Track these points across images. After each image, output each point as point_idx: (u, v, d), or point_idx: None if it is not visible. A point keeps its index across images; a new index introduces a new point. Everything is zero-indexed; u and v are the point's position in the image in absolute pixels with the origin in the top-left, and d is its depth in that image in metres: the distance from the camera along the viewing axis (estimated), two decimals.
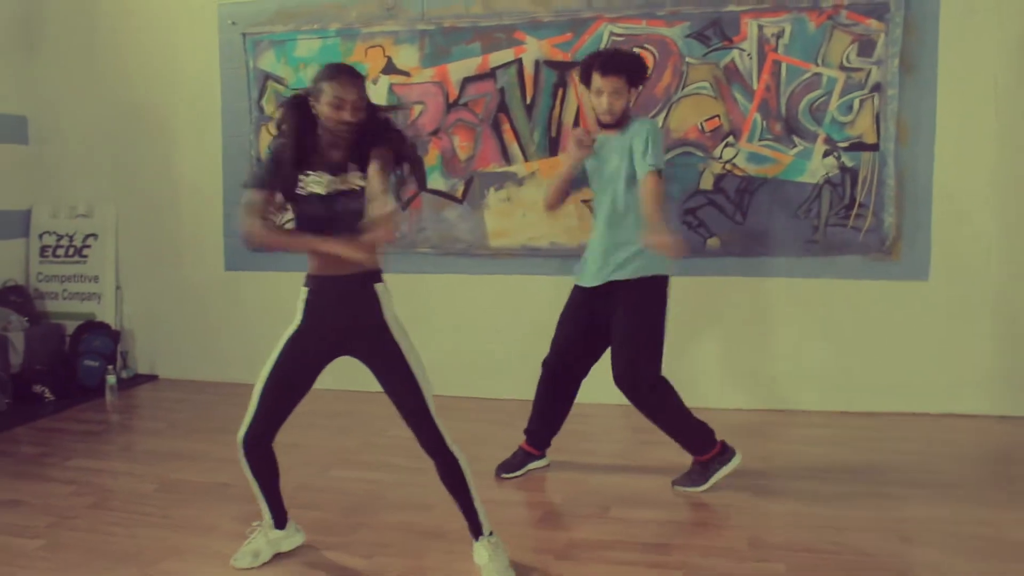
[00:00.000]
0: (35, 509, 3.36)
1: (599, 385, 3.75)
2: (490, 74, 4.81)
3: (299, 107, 2.68)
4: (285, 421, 2.81)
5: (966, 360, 4.48)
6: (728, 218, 4.63)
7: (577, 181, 3.68)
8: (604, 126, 3.50)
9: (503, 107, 4.82)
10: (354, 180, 2.64)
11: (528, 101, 4.78)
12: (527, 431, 3.81)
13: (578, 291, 3.66)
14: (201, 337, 5.48)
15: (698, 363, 4.73)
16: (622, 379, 3.44)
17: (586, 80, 3.50)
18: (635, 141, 3.40)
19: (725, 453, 3.57)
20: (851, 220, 4.52)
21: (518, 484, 3.67)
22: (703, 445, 3.55)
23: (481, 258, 4.91)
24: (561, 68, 4.72)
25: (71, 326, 5.43)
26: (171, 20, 5.33)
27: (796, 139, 4.53)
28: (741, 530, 3.13)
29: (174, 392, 5.29)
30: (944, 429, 4.32)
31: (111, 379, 5.05)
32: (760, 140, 4.56)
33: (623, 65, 3.44)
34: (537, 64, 4.74)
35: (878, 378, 4.57)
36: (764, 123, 4.54)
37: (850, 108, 4.47)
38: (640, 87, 3.66)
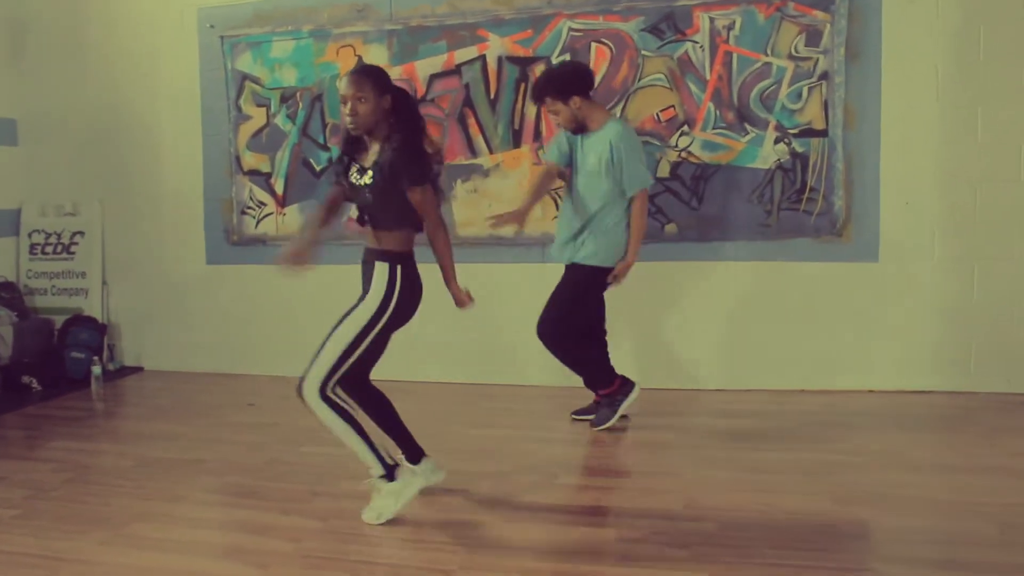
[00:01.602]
0: (14, 484, 3.55)
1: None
2: (455, 71, 5.01)
3: None
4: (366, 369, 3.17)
5: (916, 338, 4.66)
6: (684, 204, 4.81)
7: (551, 155, 4.14)
8: (575, 131, 3.98)
9: (468, 102, 5.01)
10: (364, 178, 2.95)
11: (492, 96, 4.97)
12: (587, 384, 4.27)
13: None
14: (184, 329, 5.68)
15: (658, 345, 4.91)
16: (541, 330, 4.03)
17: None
18: (612, 145, 3.87)
19: (626, 385, 4.10)
20: (803, 204, 4.70)
21: (482, 451, 3.84)
22: (605, 380, 4.13)
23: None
24: (522, 63, 4.92)
25: (59, 320, 5.63)
26: (153, 24, 5.54)
27: (748, 127, 4.71)
28: (678, 495, 3.29)
29: (158, 382, 5.49)
30: (896, 404, 4.48)
31: (96, 369, 5.24)
32: (714, 128, 4.74)
33: (542, 90, 3.94)
34: (500, 60, 4.94)
35: (832, 357, 4.74)
36: (717, 112, 4.72)
37: (799, 96, 4.64)
38: (577, 94, 3.91)
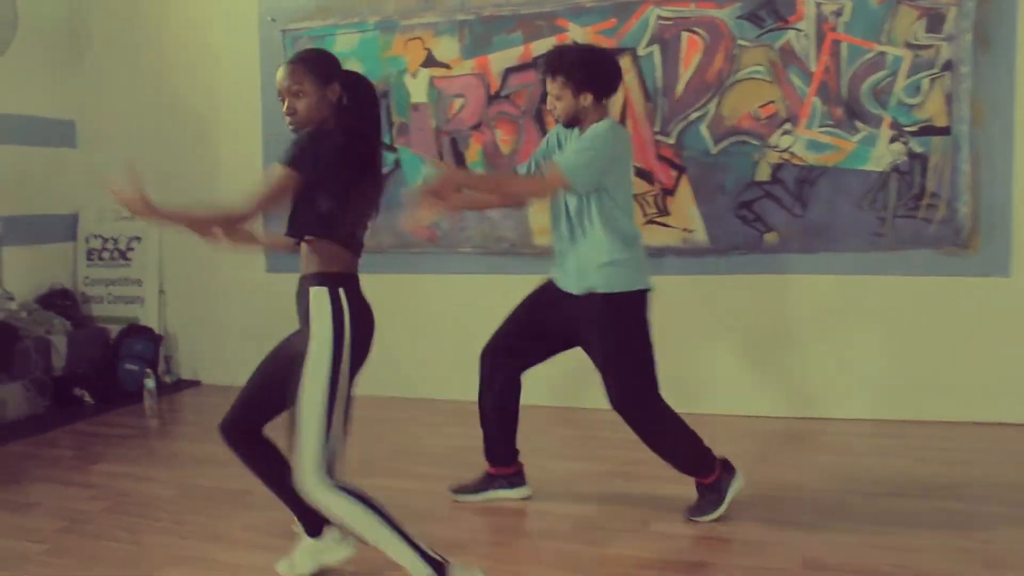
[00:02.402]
0: (49, 512, 3.28)
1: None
2: (532, 64, 4.60)
3: None
4: (266, 421, 2.59)
5: None
6: (786, 211, 4.32)
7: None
8: (568, 125, 3.17)
9: (546, 98, 4.58)
10: None
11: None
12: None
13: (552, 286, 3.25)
14: (243, 341, 5.34)
15: (760, 366, 4.43)
16: (623, 401, 3.05)
17: None
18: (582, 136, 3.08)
19: (727, 465, 3.15)
20: (921, 211, 4.17)
21: (548, 493, 3.41)
22: (708, 462, 3.11)
23: (526, 257, 4.69)
24: None
25: (115, 330, 5.39)
26: (211, 20, 5.28)
27: (859, 124, 4.20)
28: (792, 549, 2.82)
29: (215, 398, 5.17)
30: None
31: (149, 383, 4.98)
32: (820, 126, 4.24)
33: (560, 67, 3.07)
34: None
35: (952, 384, 4.20)
36: (824, 108, 4.23)
37: (918, 89, 4.12)
38: (594, 92, 3.07)
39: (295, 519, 2.69)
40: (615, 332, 3.03)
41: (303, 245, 2.40)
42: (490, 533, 3.13)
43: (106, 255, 5.61)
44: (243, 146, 5.25)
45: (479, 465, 3.34)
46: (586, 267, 3.06)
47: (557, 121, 3.20)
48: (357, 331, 2.34)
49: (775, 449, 3.93)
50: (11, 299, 5.11)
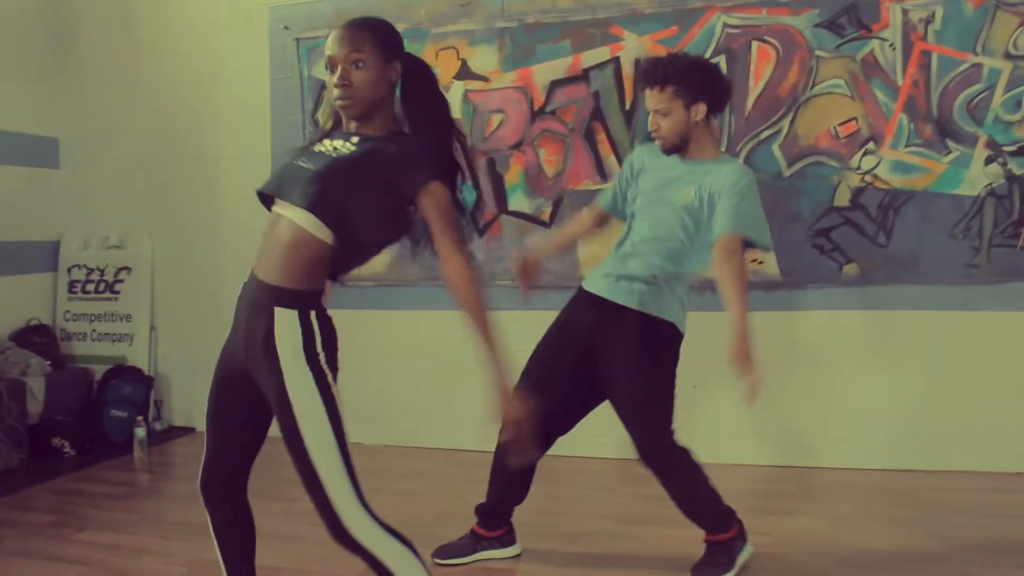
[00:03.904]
0: None
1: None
2: (582, 76, 4.14)
3: None
4: (245, 464, 2.15)
5: None
6: (869, 240, 3.88)
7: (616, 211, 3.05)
8: (672, 151, 2.79)
9: (598, 114, 4.13)
10: (338, 144, 2.00)
11: (627, 107, 4.10)
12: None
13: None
14: None
15: (832, 411, 3.96)
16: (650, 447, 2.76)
17: None
18: (727, 189, 2.69)
19: (742, 529, 2.87)
20: (1021, 240, 3.75)
21: (636, 558, 2.89)
22: (727, 519, 2.84)
23: (571, 291, 4.18)
24: None
25: (99, 371, 4.79)
26: (216, 27, 4.78)
27: (951, 144, 3.79)
28: None
29: None
30: None
31: (140, 432, 4.41)
32: (907, 146, 3.82)
33: (669, 76, 2.70)
34: (637, 63, 4.05)
35: None
36: (912, 126, 3.81)
37: (1019, 104, 3.72)
38: (708, 104, 2.73)
39: None
40: (652, 358, 2.76)
41: (284, 218, 1.98)
42: None
43: (90, 287, 5.04)
44: (249, 168, 4.70)
45: (573, 534, 2.84)
46: (655, 292, 2.78)
47: (661, 144, 2.78)
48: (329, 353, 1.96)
49: (842, 501, 3.43)
50: None
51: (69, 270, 5.09)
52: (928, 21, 3.79)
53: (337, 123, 2.09)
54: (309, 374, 1.90)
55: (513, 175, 4.26)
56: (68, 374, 4.75)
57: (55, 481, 4.01)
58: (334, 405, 1.92)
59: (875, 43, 3.83)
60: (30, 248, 4.98)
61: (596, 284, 2.90)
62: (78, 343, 5.03)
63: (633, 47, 4.06)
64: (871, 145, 3.86)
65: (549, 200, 4.23)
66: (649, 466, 2.75)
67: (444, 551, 3.01)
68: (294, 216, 1.92)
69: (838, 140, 3.89)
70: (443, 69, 4.30)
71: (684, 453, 2.76)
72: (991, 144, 3.76)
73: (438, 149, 1.97)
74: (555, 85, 4.19)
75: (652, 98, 2.72)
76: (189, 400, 4.96)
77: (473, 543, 3.03)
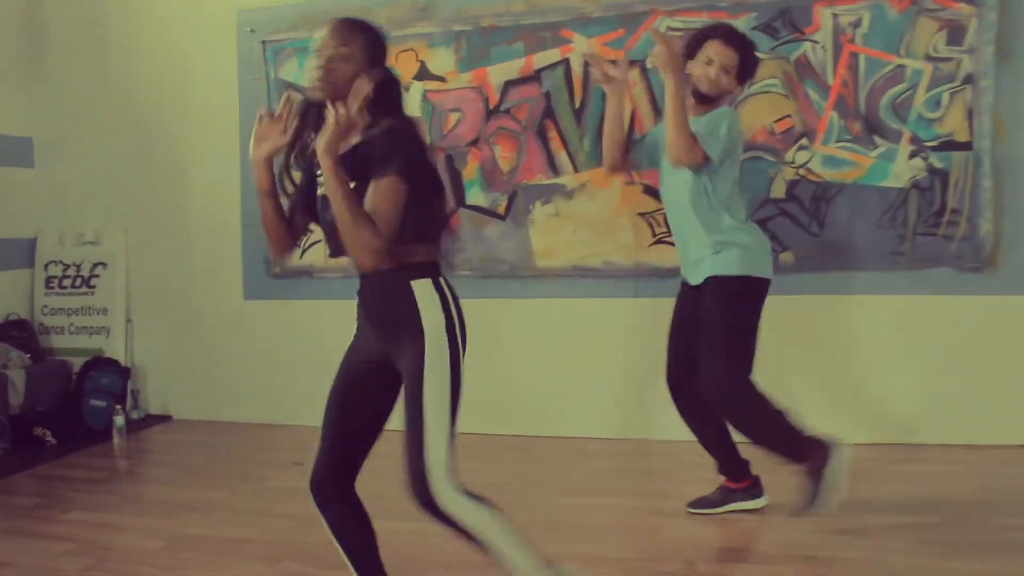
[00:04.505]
0: (23, 574, 2.88)
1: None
2: (534, 77, 4.37)
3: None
4: (360, 461, 2.22)
5: None
6: (803, 229, 4.14)
7: (642, 160, 3.40)
8: (699, 99, 3.12)
9: (549, 112, 4.37)
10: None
11: (577, 105, 4.34)
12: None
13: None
14: (218, 373, 5.02)
15: (771, 389, 4.22)
16: (719, 392, 3.07)
17: (694, 49, 3.13)
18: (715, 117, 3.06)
19: (825, 447, 3.06)
20: (942, 228, 4.02)
21: (583, 535, 3.14)
22: (807, 447, 3.04)
23: (526, 280, 4.44)
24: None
25: (78, 363, 4.96)
26: (186, 30, 4.95)
27: (878, 139, 4.05)
28: None
29: (189, 434, 4.82)
30: None
31: (119, 420, 4.61)
32: (837, 141, 4.08)
33: (743, 41, 3.14)
34: (586, 64, 4.29)
35: (977, 406, 4.03)
36: (841, 122, 4.07)
37: (938, 103, 3.98)
38: (742, 83, 3.22)
39: None
40: (724, 313, 3.04)
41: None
42: None
43: (67, 282, 5.21)
44: (219, 167, 4.92)
45: (525, 507, 3.05)
46: (703, 254, 3.10)
47: (706, 88, 3.09)
48: (461, 319, 2.15)
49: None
50: None
51: (46, 266, 5.25)
52: (856, 25, 4.04)
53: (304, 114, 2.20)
54: (446, 347, 2.07)
55: (470, 171, 4.48)
56: (48, 366, 4.91)
57: (38, 468, 4.20)
58: (458, 383, 2.08)
59: (807, 45, 4.09)
60: (7, 245, 5.13)
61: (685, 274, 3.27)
62: (56, 336, 5.20)
63: (582, 49, 4.29)
64: (804, 141, 4.11)
65: (504, 194, 4.46)
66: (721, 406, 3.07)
67: (698, 503, 3.29)
68: None
69: (774, 136, 4.14)
70: (403, 70, 4.51)
71: (751, 392, 3.06)
72: (914, 140, 4.02)
73: (398, 143, 2.05)
74: (509, 85, 4.41)
75: (722, 54, 3.06)
76: (165, 389, 5.16)
77: (723, 496, 3.28)
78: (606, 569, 2.76)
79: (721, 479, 3.30)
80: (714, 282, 3.07)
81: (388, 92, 2.15)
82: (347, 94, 2.07)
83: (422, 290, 2.08)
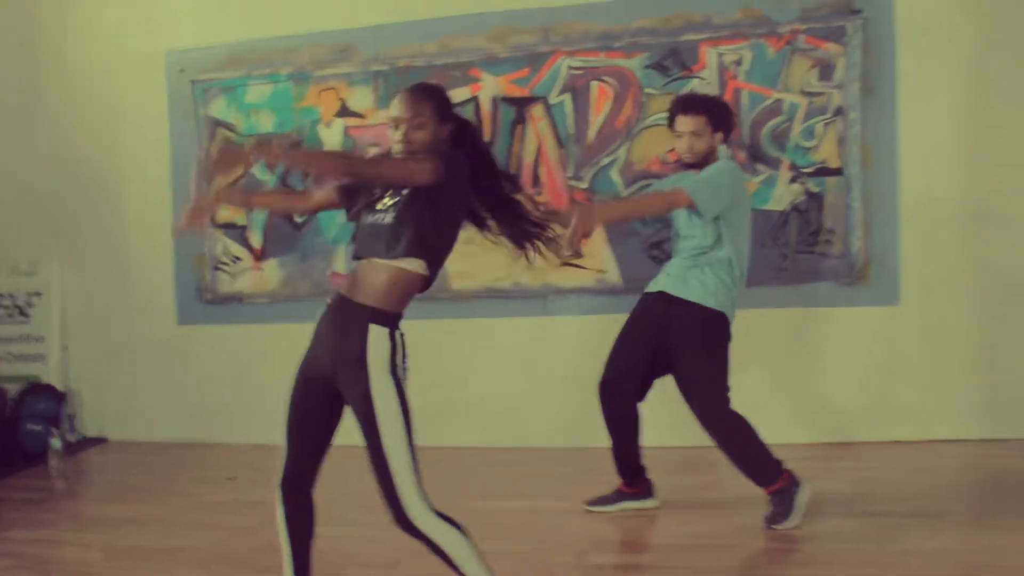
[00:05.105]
0: None
1: None
2: None
3: None
4: (320, 462, 2.42)
5: (941, 384, 4.39)
6: None
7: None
8: (687, 166, 3.48)
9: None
10: (388, 199, 2.32)
11: (487, 139, 4.68)
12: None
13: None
14: (152, 396, 5.22)
15: (667, 399, 4.58)
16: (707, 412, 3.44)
17: (671, 124, 3.49)
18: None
19: (793, 475, 3.38)
20: (819, 246, 4.44)
21: (487, 533, 3.44)
22: (775, 470, 3.36)
23: (442, 302, 4.74)
24: (519, 104, 4.63)
25: (14, 389, 5.11)
26: (117, 70, 5.15)
27: (760, 167, 4.46)
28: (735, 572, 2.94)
29: (124, 455, 5.02)
30: (926, 456, 4.19)
31: (55, 443, 4.78)
32: None
33: (701, 104, 3.43)
34: (495, 101, 4.65)
35: (854, 406, 4.46)
36: (729, 151, 4.46)
37: (813, 133, 4.41)
38: (723, 133, 3.46)
39: None
40: (707, 343, 3.43)
41: (376, 263, 2.28)
42: None
43: (3, 312, 5.37)
44: (151, 205, 5.12)
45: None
46: (705, 283, 3.39)
47: (690, 159, 3.43)
48: (404, 352, 2.32)
49: (689, 477, 4.07)
50: None
51: None
52: (738, 63, 4.45)
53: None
54: (391, 382, 2.24)
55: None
56: None
57: None
58: (407, 409, 2.26)
59: (695, 81, 4.48)
60: None
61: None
62: None
63: (490, 87, 4.64)
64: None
65: None
66: (703, 421, 3.40)
67: (596, 501, 3.60)
68: (388, 262, 2.27)
69: (667, 165, 4.52)
70: (325, 108, 4.82)
71: (732, 414, 3.40)
72: (793, 167, 4.44)
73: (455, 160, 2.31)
74: None
75: (689, 123, 3.37)
76: (100, 412, 5.34)
77: (619, 496, 3.60)
78: (503, 562, 3.06)
79: (619, 481, 3.63)
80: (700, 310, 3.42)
81: (462, 134, 2.45)
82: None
83: (376, 334, 2.25)
